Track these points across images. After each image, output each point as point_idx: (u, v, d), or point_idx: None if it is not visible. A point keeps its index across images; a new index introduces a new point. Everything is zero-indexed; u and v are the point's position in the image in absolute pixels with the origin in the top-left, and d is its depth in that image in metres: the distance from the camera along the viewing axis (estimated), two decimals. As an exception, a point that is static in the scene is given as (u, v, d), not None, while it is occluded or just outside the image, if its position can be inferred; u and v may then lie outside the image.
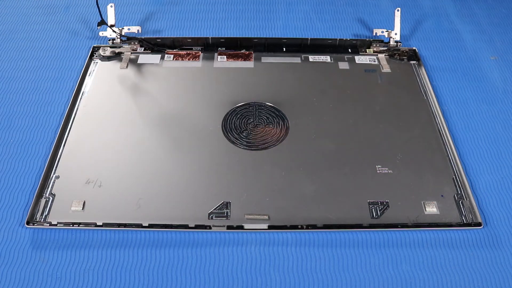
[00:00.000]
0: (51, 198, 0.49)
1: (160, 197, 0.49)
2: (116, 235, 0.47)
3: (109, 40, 0.68)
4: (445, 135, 0.57)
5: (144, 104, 0.60)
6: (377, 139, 0.56)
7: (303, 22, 0.76)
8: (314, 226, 0.47)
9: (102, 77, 0.64)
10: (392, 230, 0.48)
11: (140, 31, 0.69)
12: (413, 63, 0.67)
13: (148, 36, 0.69)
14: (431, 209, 0.49)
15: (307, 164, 0.53)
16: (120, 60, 0.66)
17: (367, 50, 0.69)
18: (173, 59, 0.67)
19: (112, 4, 0.68)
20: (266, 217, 0.48)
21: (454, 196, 0.50)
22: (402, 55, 0.68)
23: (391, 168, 0.53)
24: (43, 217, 0.48)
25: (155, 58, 0.67)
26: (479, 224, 0.48)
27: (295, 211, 0.49)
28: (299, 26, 0.75)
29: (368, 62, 0.67)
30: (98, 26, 0.65)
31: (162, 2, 0.79)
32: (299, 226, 0.47)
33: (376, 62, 0.67)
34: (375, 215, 0.48)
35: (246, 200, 0.49)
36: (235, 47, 0.69)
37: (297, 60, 0.67)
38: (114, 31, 0.68)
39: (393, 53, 0.68)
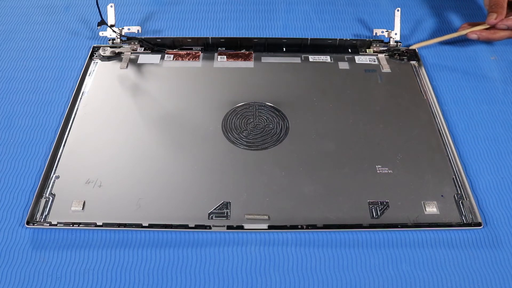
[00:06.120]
0: (51, 198, 0.49)
1: (160, 197, 0.49)
2: (116, 235, 0.47)
3: (109, 40, 0.68)
4: (445, 135, 0.57)
5: (144, 104, 0.60)
6: (377, 139, 0.56)
7: (303, 22, 0.75)
8: (314, 226, 0.47)
9: (102, 77, 0.64)
10: (392, 230, 0.48)
11: (140, 31, 0.69)
12: (413, 63, 0.67)
13: (148, 36, 0.69)
14: (431, 209, 0.49)
15: (307, 164, 0.53)
16: (120, 60, 0.66)
17: (367, 50, 0.69)
18: (173, 59, 0.67)
19: (112, 4, 0.68)
20: (266, 217, 0.48)
21: (454, 196, 0.50)
22: (402, 55, 0.68)
23: (391, 168, 0.53)
24: (43, 217, 0.47)
25: (155, 58, 0.67)
26: (479, 224, 0.48)
27: (295, 211, 0.49)
28: (299, 26, 0.75)
29: (368, 62, 0.67)
30: (98, 26, 0.65)
31: (162, 2, 0.79)
32: (299, 226, 0.47)
33: (376, 62, 0.67)
34: (375, 215, 0.48)
35: (246, 200, 0.49)
36: (235, 47, 0.68)
37: (297, 60, 0.67)
38: (114, 31, 0.68)
39: (393, 53, 0.68)
